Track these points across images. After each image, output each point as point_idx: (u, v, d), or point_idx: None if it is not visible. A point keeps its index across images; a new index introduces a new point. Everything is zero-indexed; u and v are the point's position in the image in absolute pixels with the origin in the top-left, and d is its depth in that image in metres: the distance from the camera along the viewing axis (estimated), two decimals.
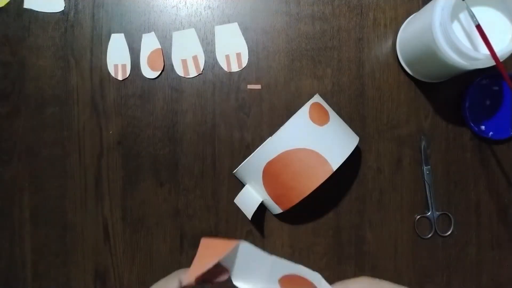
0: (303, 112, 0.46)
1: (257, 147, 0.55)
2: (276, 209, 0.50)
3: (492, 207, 0.55)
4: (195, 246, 0.55)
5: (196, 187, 0.55)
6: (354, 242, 0.55)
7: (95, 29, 0.56)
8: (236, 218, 0.55)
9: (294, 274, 0.39)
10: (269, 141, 0.46)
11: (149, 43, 0.55)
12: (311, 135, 0.46)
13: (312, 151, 0.45)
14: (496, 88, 0.54)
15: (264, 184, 0.48)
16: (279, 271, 0.39)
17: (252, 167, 0.48)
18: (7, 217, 0.55)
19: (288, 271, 0.39)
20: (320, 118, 0.47)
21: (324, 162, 0.45)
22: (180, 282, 0.39)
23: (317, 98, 0.49)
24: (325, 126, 0.47)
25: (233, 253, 0.38)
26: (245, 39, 0.55)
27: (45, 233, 0.55)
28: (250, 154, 0.54)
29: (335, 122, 0.48)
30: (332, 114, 0.49)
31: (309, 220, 0.55)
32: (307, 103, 0.47)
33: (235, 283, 0.39)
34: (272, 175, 0.47)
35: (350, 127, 0.50)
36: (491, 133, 0.54)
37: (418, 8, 0.54)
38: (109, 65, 0.55)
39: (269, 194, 0.48)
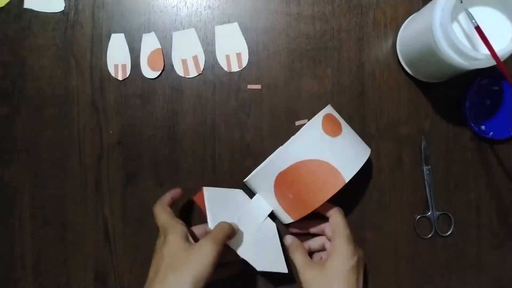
0: (316, 123, 0.46)
1: (258, 147, 0.55)
2: (287, 219, 0.49)
3: (492, 207, 0.55)
4: None
5: (196, 187, 0.55)
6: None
7: (95, 29, 0.56)
8: None
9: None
10: (282, 150, 0.46)
11: (149, 43, 0.55)
12: (324, 146, 0.45)
13: (324, 163, 0.45)
14: (496, 88, 0.54)
15: (275, 194, 0.48)
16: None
17: (263, 176, 0.47)
18: (7, 217, 0.55)
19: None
20: (333, 129, 0.46)
21: (337, 174, 0.45)
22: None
23: (329, 109, 0.49)
24: (338, 137, 0.46)
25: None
26: (245, 39, 0.55)
27: (45, 233, 0.55)
28: (251, 154, 0.55)
29: (348, 133, 0.48)
30: (344, 125, 0.49)
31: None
32: (319, 114, 0.47)
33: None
34: (284, 186, 0.46)
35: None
36: (491, 133, 0.54)
37: (418, 8, 0.54)
38: (109, 65, 0.55)
39: (281, 204, 0.48)
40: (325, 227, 0.50)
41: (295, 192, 0.46)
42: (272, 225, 0.51)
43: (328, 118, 0.47)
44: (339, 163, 0.45)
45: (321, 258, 0.50)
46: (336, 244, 0.46)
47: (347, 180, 0.45)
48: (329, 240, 0.49)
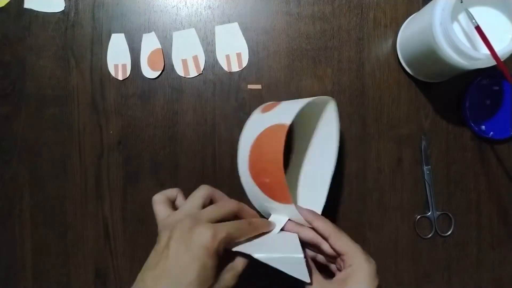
0: (257, 111, 0.47)
1: None
2: (284, 209, 0.45)
3: (492, 207, 0.55)
4: None
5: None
6: None
7: (95, 29, 0.56)
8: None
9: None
10: (239, 150, 0.45)
11: (150, 43, 0.55)
12: (263, 120, 0.45)
13: (266, 130, 0.43)
14: (496, 88, 0.54)
15: (261, 190, 0.45)
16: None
17: (246, 187, 0.46)
18: (7, 217, 0.55)
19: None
20: (271, 107, 0.46)
21: (278, 126, 0.42)
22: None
23: (266, 103, 0.49)
24: (275, 108, 0.46)
25: None
26: (246, 39, 0.55)
27: (45, 233, 0.55)
28: None
29: (287, 101, 0.47)
30: (285, 101, 0.48)
31: None
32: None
33: None
34: (257, 176, 0.44)
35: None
36: (491, 133, 0.54)
37: (418, 8, 0.54)
38: (109, 65, 0.55)
39: (270, 196, 0.44)
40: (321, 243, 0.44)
41: (263, 171, 0.43)
42: (293, 235, 0.46)
43: (267, 105, 0.48)
44: (277, 119, 0.43)
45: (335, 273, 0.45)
46: (350, 256, 0.42)
47: (288, 122, 0.41)
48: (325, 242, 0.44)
